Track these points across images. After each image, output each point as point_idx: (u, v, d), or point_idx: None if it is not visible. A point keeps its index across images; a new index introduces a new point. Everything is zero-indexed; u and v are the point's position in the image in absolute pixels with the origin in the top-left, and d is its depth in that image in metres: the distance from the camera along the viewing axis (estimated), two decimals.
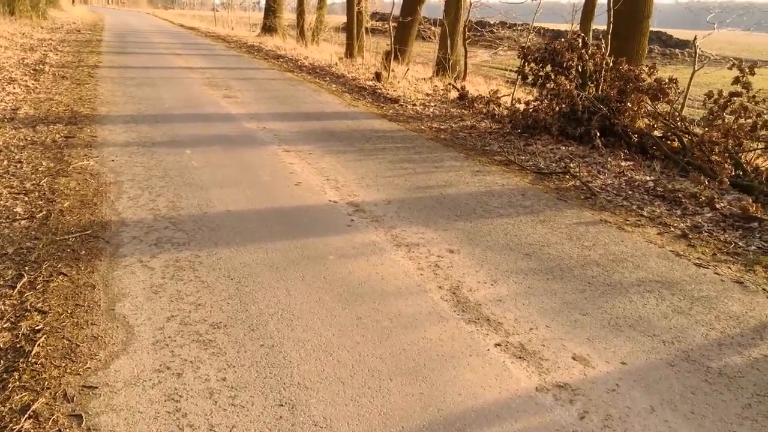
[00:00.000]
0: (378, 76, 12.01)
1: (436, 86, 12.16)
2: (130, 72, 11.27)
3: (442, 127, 7.90)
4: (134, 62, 13.08)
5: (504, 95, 10.38)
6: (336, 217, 4.18)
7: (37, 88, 8.74)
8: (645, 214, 4.70)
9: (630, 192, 5.27)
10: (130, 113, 7.33)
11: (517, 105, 8.59)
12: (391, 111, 8.96)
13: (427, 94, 11.03)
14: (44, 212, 3.92)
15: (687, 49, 39.00)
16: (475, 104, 9.58)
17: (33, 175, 4.67)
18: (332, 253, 3.54)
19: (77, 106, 7.56)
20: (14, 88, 8.45)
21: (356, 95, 10.33)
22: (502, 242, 3.87)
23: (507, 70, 21.43)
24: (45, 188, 4.38)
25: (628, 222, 4.47)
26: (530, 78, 7.85)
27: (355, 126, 7.50)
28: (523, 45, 7.82)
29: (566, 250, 3.80)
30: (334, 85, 11.35)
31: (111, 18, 38.71)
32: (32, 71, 10.30)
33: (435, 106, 9.62)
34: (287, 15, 27.87)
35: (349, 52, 17.60)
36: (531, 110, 7.63)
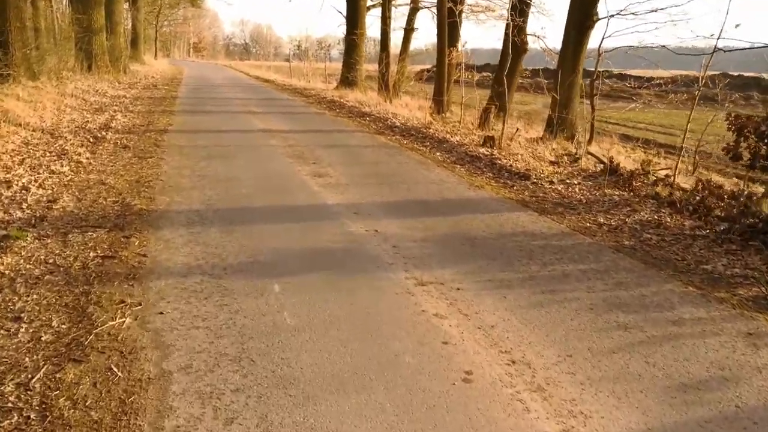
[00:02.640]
0: (490, 141, 9.95)
1: (554, 150, 10.02)
2: (202, 138, 9.69)
3: (612, 222, 5.67)
4: (207, 124, 11.60)
5: (662, 169, 8.10)
6: None
7: (90, 164, 7.14)
8: None
9: None
10: (197, 207, 5.51)
11: (702, 189, 6.29)
12: (527, 194, 6.81)
13: (552, 163, 8.89)
14: None
15: None
16: (634, 183, 7.32)
17: (27, 357, 2.77)
18: None
19: (132, 194, 5.82)
20: (62, 165, 6.87)
21: (471, 168, 8.27)
22: None
23: (617, 124, 18.95)
24: (35, 399, 2.44)
25: None
26: (746, 157, 5.55)
27: (498, 225, 5.38)
28: (738, 114, 5.56)
29: None
30: (438, 153, 9.36)
31: (189, 70, 39.00)
32: (92, 139, 8.84)
33: (579, 183, 7.41)
34: (365, 66, 26.63)
35: (439, 108, 15.80)
36: (739, 203, 5.34)
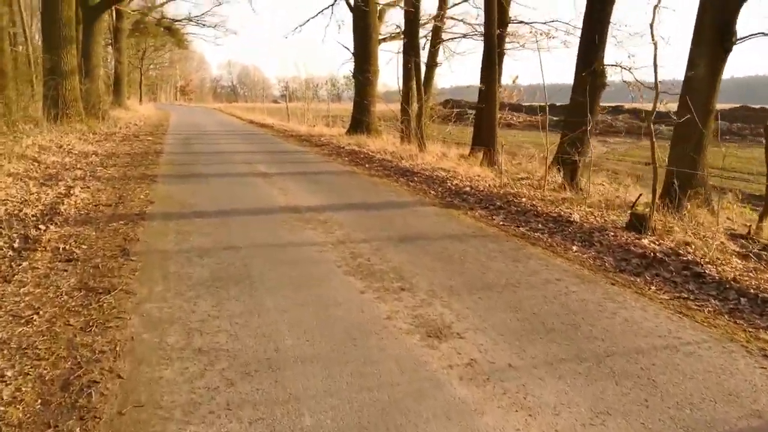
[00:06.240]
0: (641, 223, 6.48)
1: (710, 228, 6.75)
2: (198, 232, 6.15)
3: None
4: (204, 200, 8.05)
5: None
6: None
7: None
8: None
9: None
10: None
11: None
12: None
13: (738, 255, 5.57)
14: None
15: None
16: None
17: None
18: None
19: None
20: None
21: (670, 288, 4.78)
22: None
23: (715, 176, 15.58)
24: None
25: None
26: None
27: None
28: None
29: None
30: (575, 247, 5.90)
31: (177, 116, 35.77)
32: (18, 243, 5.30)
33: None
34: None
35: (491, 159, 12.49)
36: None
